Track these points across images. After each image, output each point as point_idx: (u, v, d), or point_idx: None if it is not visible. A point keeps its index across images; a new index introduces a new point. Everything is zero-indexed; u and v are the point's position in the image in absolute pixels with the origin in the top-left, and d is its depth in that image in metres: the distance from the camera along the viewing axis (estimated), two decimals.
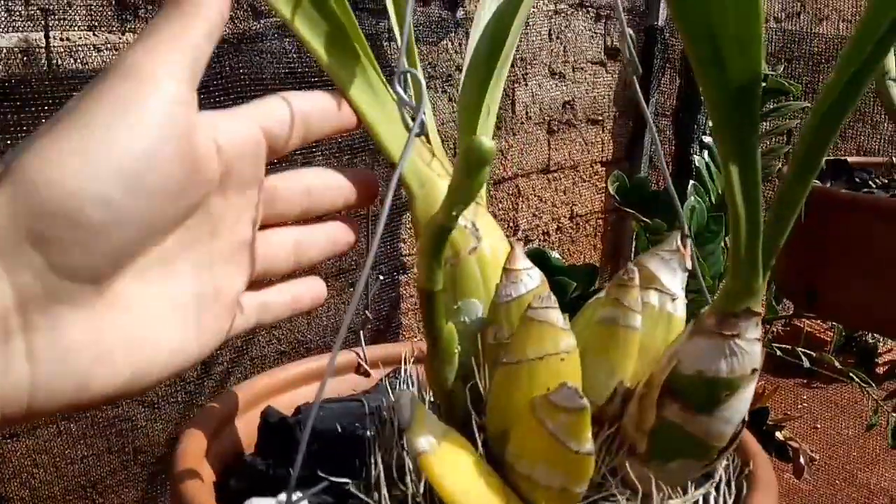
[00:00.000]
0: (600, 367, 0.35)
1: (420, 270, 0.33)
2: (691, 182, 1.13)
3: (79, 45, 0.87)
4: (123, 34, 0.91)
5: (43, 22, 0.85)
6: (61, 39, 0.86)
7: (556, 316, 0.33)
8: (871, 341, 1.95)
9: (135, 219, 0.27)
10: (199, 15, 0.30)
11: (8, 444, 0.90)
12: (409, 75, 0.33)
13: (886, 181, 0.75)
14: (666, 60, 1.69)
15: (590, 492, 0.33)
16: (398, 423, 0.31)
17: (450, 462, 0.31)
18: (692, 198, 1.07)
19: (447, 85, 1.25)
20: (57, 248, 0.26)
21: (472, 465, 0.33)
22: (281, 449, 0.41)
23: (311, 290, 0.38)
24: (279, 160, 0.34)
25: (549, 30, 1.51)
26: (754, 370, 0.32)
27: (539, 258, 1.04)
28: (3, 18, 0.81)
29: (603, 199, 1.75)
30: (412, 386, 0.47)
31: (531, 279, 0.36)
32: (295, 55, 1.01)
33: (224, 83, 0.94)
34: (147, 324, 0.29)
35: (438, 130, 0.45)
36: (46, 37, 0.85)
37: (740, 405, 0.32)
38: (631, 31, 0.37)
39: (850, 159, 0.82)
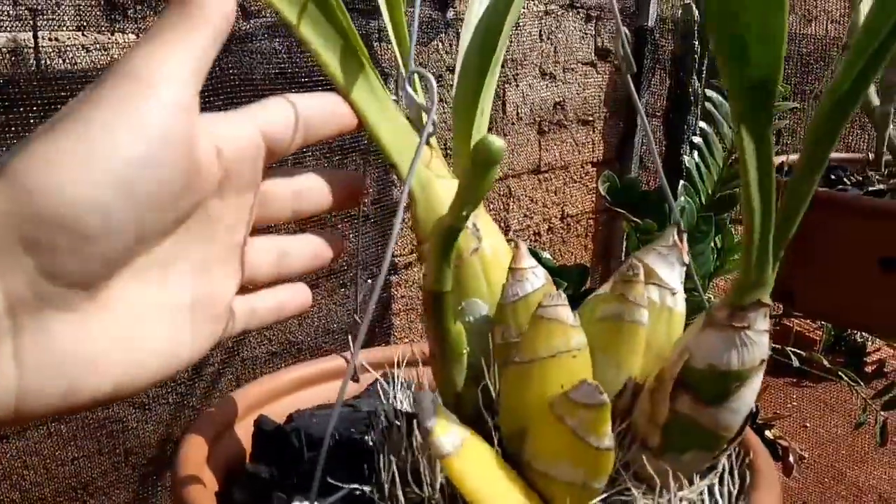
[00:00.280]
0: (608, 364, 0.35)
1: (428, 272, 0.33)
2: (681, 182, 1.13)
3: (68, 46, 0.86)
4: (112, 34, 0.91)
5: (31, 22, 0.84)
6: (50, 40, 0.86)
7: (567, 314, 0.33)
8: (859, 340, 1.96)
9: (131, 226, 0.27)
10: (204, 20, 0.29)
11: None
12: (418, 76, 0.33)
13: (861, 178, 0.75)
14: (656, 61, 1.69)
15: (604, 487, 0.34)
16: (419, 425, 0.30)
17: (473, 463, 0.31)
18: (682, 198, 1.08)
19: (438, 86, 1.26)
20: (50, 254, 0.25)
21: (494, 466, 0.33)
22: (277, 457, 0.41)
23: (297, 296, 0.37)
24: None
25: (540, 30, 1.51)
26: (762, 361, 0.33)
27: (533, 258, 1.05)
28: None
29: (594, 199, 1.76)
30: (406, 389, 0.47)
31: (537, 277, 0.36)
32: (285, 55, 1.01)
33: (214, 83, 0.93)
34: (139, 328, 0.28)
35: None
36: (35, 37, 0.84)
37: (749, 396, 0.33)
38: (626, 29, 0.37)
39: None
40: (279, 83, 1.01)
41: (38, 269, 0.25)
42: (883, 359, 1.87)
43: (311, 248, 0.37)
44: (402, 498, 0.35)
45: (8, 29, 0.82)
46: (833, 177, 0.77)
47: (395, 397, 0.45)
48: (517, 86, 1.49)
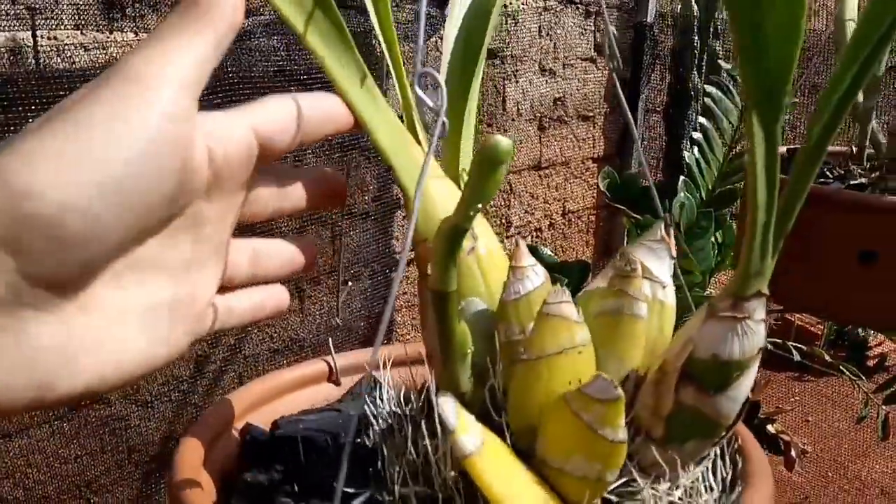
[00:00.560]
0: (610, 357, 0.36)
1: (433, 271, 0.33)
2: (681, 178, 1.13)
3: (66, 44, 0.86)
4: (111, 33, 0.91)
5: (30, 21, 0.84)
6: (49, 38, 0.86)
7: (571, 310, 0.33)
8: (861, 335, 1.96)
9: (116, 230, 0.26)
10: (209, 25, 0.29)
11: (1, 444, 0.90)
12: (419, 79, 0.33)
13: (843, 172, 0.75)
14: (655, 57, 1.69)
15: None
16: (442, 426, 0.30)
17: (494, 462, 0.31)
18: (682, 193, 1.08)
19: None
20: (31, 256, 0.25)
21: (512, 464, 0.33)
22: (272, 463, 0.41)
23: (273, 297, 0.36)
24: None
25: (539, 26, 1.51)
26: (760, 349, 0.34)
27: (533, 254, 1.05)
28: None
29: (595, 195, 1.76)
30: (391, 390, 0.46)
31: (536, 275, 0.36)
32: (284, 53, 1.01)
33: (212, 81, 0.92)
34: (117, 328, 0.28)
35: None
36: (34, 36, 0.84)
37: (747, 384, 0.34)
38: (614, 30, 0.37)
39: None
40: (278, 80, 1.01)
41: (18, 270, 0.25)
42: (885, 353, 1.87)
43: (286, 253, 0.36)
44: (413, 499, 0.35)
45: (7, 28, 0.82)
46: None
47: (382, 399, 0.45)
48: (517, 82, 1.49)
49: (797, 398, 2.04)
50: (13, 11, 0.83)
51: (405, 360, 0.48)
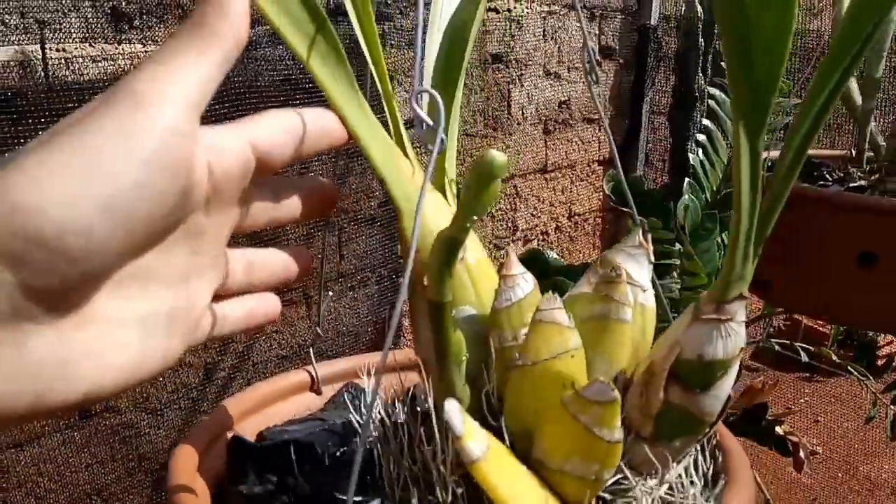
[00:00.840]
0: (599, 360, 0.37)
1: (430, 282, 0.33)
2: (686, 180, 1.14)
3: (75, 57, 0.87)
4: (119, 44, 0.92)
5: (39, 34, 0.85)
6: (57, 51, 0.87)
7: (563, 316, 0.35)
8: (870, 335, 1.96)
9: (117, 245, 0.27)
10: (215, 43, 0.29)
11: (12, 454, 0.91)
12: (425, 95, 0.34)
13: (843, 175, 0.75)
14: (660, 59, 1.69)
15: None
16: (449, 432, 0.31)
17: (499, 467, 0.32)
18: (687, 195, 1.08)
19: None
20: (30, 271, 0.25)
21: (515, 468, 0.34)
22: (262, 475, 0.41)
23: (264, 305, 0.37)
24: None
25: (544, 31, 1.51)
26: (741, 349, 0.35)
27: (536, 259, 1.05)
28: None
29: (601, 197, 1.76)
30: (371, 399, 0.47)
31: (526, 283, 0.37)
32: (290, 62, 1.02)
33: (219, 91, 0.94)
34: (114, 338, 0.28)
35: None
36: (42, 49, 0.85)
37: (729, 382, 0.36)
38: (592, 45, 0.38)
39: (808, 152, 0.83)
40: (284, 89, 1.02)
41: (18, 284, 0.25)
42: (893, 353, 1.86)
43: (280, 261, 0.37)
44: None
45: (16, 41, 0.83)
46: (815, 173, 0.77)
47: (367, 407, 0.46)
48: (522, 86, 1.50)
49: (806, 399, 2.03)
50: (22, 25, 0.84)
51: (394, 366, 0.48)
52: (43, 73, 0.84)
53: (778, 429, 1.18)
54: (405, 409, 0.41)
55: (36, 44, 0.85)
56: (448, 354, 0.36)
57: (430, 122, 0.33)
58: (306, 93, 1.02)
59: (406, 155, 0.38)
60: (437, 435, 0.35)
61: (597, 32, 1.63)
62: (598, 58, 1.65)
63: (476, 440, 0.31)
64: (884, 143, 0.76)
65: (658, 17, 1.66)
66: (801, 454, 1.20)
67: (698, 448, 0.39)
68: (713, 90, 1.17)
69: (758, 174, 0.32)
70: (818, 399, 2.02)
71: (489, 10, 1.41)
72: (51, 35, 0.86)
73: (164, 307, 0.30)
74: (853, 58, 0.30)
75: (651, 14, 1.65)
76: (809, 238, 0.69)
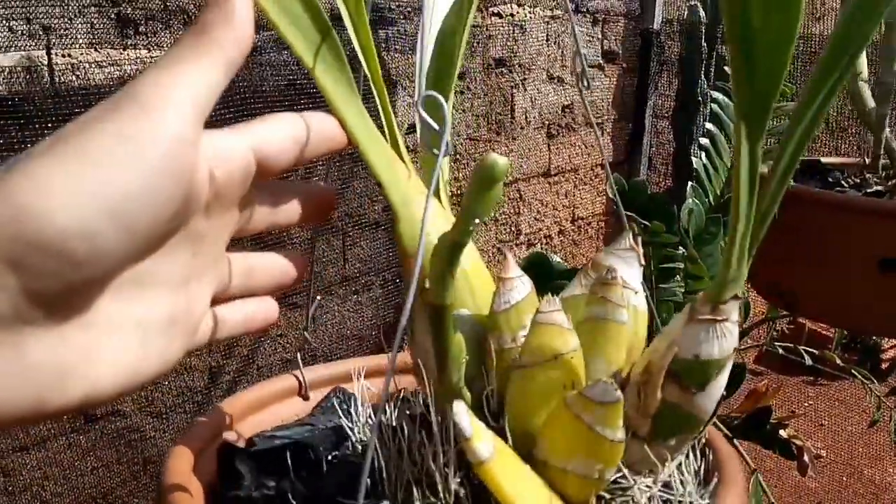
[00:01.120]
0: (597, 361, 0.38)
1: (431, 286, 0.34)
2: (690, 184, 1.14)
3: (81, 62, 0.88)
4: (125, 50, 0.92)
5: (45, 40, 0.86)
6: (63, 56, 0.88)
7: (562, 318, 0.35)
8: (874, 339, 1.95)
9: (120, 250, 0.27)
10: (218, 49, 0.29)
11: (18, 457, 0.91)
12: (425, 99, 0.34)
13: (859, 181, 0.75)
14: (663, 63, 1.70)
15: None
16: (455, 433, 0.31)
17: (506, 467, 0.33)
18: (690, 200, 1.08)
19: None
20: (34, 276, 0.25)
21: (520, 468, 0.35)
22: (259, 480, 0.41)
23: (263, 309, 0.37)
24: None
25: (547, 35, 1.52)
26: (735, 349, 0.36)
27: (540, 262, 1.05)
28: (5, 37, 0.82)
29: (604, 201, 1.76)
30: (360, 403, 0.47)
31: (524, 285, 0.38)
32: (295, 67, 1.02)
33: (224, 95, 0.94)
34: (115, 341, 0.28)
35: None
36: (49, 54, 0.86)
37: (723, 381, 0.37)
38: (584, 51, 0.39)
39: (823, 160, 0.82)
40: (289, 94, 1.02)
41: (21, 288, 0.25)
42: None
43: (278, 266, 0.37)
44: None
45: (22, 47, 0.83)
46: (830, 179, 0.77)
47: (356, 412, 0.46)
48: (525, 90, 1.50)
49: (811, 403, 2.03)
50: (28, 30, 0.84)
51: (382, 370, 0.49)
52: (49, 79, 0.85)
53: (782, 432, 1.18)
54: (397, 411, 0.41)
55: (42, 49, 0.85)
56: (448, 356, 0.36)
57: (437, 127, 0.34)
58: (311, 97, 1.03)
59: (402, 159, 0.39)
60: (436, 436, 0.35)
61: (600, 37, 1.64)
62: (601, 62, 1.65)
63: (484, 441, 0.31)
64: None
65: (661, 22, 1.66)
66: (806, 458, 1.20)
67: (690, 447, 0.40)
68: (716, 94, 1.18)
69: (756, 177, 0.32)
70: (822, 402, 2.01)
71: (493, 14, 1.41)
72: (57, 41, 0.86)
73: (163, 310, 0.30)
74: (844, 67, 0.31)
75: (654, 18, 1.65)
76: (828, 244, 0.69)
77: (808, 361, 1.25)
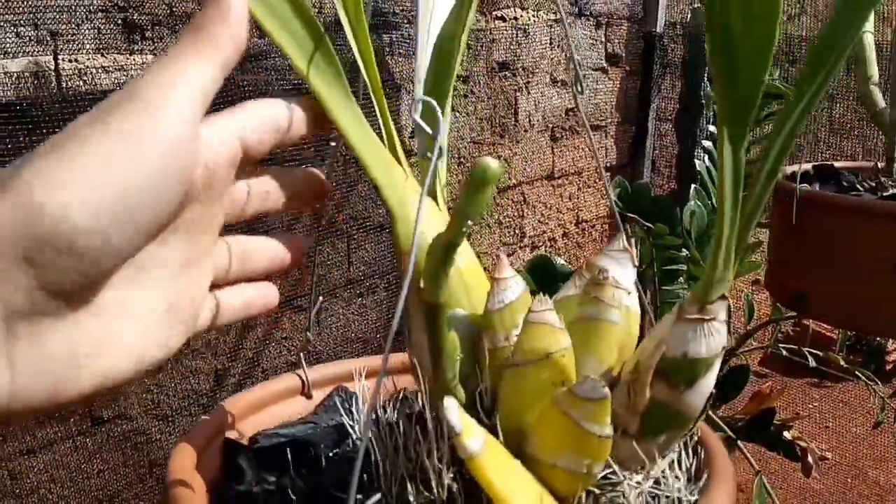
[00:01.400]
0: (588, 359, 0.39)
1: (426, 285, 0.35)
2: (693, 186, 1.14)
3: (88, 67, 0.88)
4: (131, 55, 0.93)
5: (52, 45, 0.87)
6: (70, 62, 0.88)
7: (554, 318, 0.36)
8: (879, 340, 1.95)
9: (126, 246, 0.28)
10: (215, 51, 0.30)
11: (25, 460, 0.92)
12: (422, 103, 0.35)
13: (874, 184, 0.76)
14: (666, 66, 1.70)
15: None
16: (446, 428, 0.32)
17: (496, 462, 0.33)
18: (693, 202, 1.09)
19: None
20: (48, 270, 0.26)
21: (510, 463, 0.35)
22: (259, 476, 0.42)
23: (261, 294, 0.38)
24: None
25: (550, 39, 1.52)
26: (724, 348, 0.37)
27: (544, 265, 1.05)
28: (13, 42, 0.83)
29: (608, 204, 1.77)
30: (361, 402, 0.48)
31: (517, 285, 0.38)
32: None
33: (230, 99, 0.95)
34: (118, 329, 0.30)
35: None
36: (56, 59, 0.86)
37: (711, 379, 0.37)
38: (586, 55, 0.39)
39: (836, 164, 0.83)
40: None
41: (36, 283, 0.26)
42: None
43: (273, 250, 0.38)
44: (413, 502, 0.37)
45: (30, 53, 0.84)
46: (845, 183, 0.77)
47: (357, 410, 0.46)
48: (529, 94, 1.51)
49: (815, 404, 2.03)
50: (36, 36, 0.85)
51: (387, 370, 0.49)
52: (56, 84, 0.85)
53: (786, 434, 1.18)
54: (396, 409, 0.42)
55: (49, 55, 0.86)
56: (443, 354, 0.37)
57: (430, 131, 0.35)
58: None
59: (399, 162, 0.39)
60: (431, 433, 0.36)
61: (603, 40, 1.64)
62: (604, 65, 1.65)
63: (474, 436, 0.32)
64: None
65: (664, 25, 1.66)
66: (810, 459, 1.20)
67: (681, 444, 0.40)
68: None
69: (740, 180, 0.33)
70: (827, 404, 2.01)
71: (496, 18, 1.42)
72: (64, 46, 0.87)
73: (163, 298, 0.31)
74: (830, 67, 0.32)
75: (657, 21, 1.65)
76: (843, 247, 0.69)
77: (813, 363, 1.25)
